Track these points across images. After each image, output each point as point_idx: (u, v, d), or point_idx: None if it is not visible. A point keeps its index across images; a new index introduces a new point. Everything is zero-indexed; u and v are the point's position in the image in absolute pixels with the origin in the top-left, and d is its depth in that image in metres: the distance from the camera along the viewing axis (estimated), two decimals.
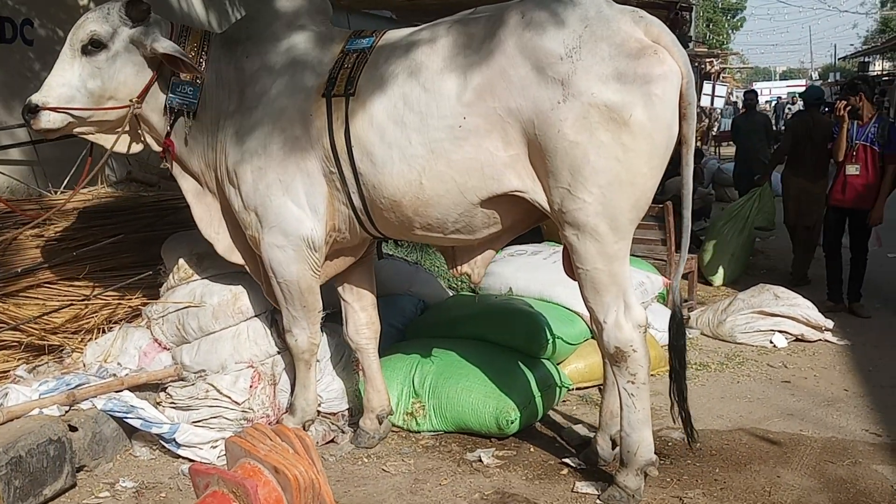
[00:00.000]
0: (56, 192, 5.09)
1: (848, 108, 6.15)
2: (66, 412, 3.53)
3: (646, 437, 3.27)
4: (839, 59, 51.64)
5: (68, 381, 3.62)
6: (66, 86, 3.38)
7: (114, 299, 4.45)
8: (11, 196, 5.08)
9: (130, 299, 4.48)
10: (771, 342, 5.42)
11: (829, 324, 5.56)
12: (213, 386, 3.86)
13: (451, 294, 5.26)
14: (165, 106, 3.57)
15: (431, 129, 3.22)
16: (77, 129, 3.53)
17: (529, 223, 3.58)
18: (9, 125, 5.27)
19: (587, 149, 3.03)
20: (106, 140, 3.63)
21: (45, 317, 4.18)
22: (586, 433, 3.96)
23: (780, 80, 64.85)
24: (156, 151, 3.80)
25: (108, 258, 4.57)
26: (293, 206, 3.52)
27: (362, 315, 3.97)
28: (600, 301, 3.24)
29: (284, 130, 3.47)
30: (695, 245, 8.19)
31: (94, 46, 3.41)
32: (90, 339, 4.31)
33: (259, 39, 3.61)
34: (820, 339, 5.51)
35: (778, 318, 5.50)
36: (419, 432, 4.04)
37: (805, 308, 5.55)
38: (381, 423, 3.92)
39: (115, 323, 4.43)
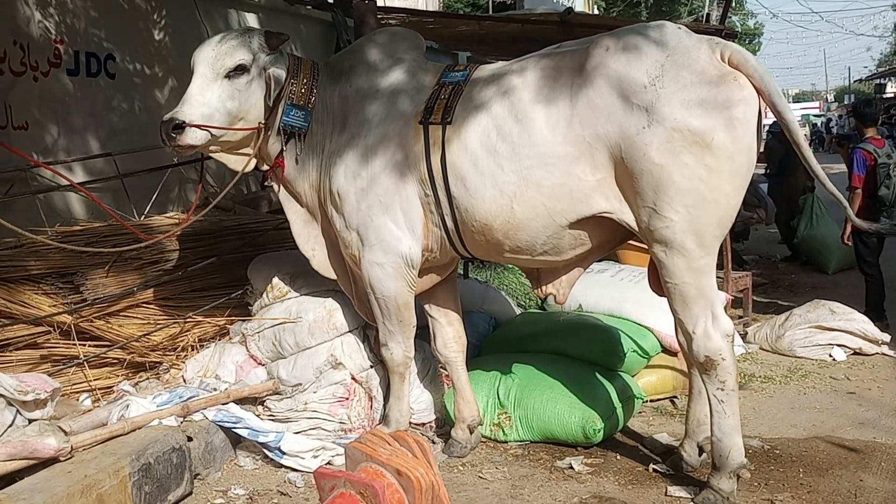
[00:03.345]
0: (140, 218, 5.35)
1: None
2: (181, 423, 3.73)
3: (737, 441, 3.42)
4: (854, 81, 51.89)
5: (181, 394, 3.83)
6: (206, 105, 3.55)
7: (205, 318, 4.68)
8: (97, 220, 5.34)
9: (220, 318, 4.70)
10: (830, 356, 5.56)
11: (886, 337, 5.70)
12: (311, 399, 4.05)
13: (520, 311, 5.45)
14: (279, 128, 3.80)
15: (523, 158, 3.42)
16: (210, 147, 3.71)
17: (615, 243, 3.77)
18: (95, 154, 5.55)
19: (672, 170, 3.22)
20: (228, 159, 3.82)
21: (147, 336, 4.40)
22: (669, 441, 4.12)
23: (794, 102, 65.02)
24: (262, 171, 4.00)
25: (197, 279, 4.79)
26: (392, 226, 3.73)
27: (449, 330, 4.16)
28: (689, 313, 3.41)
29: (385, 155, 3.69)
30: (736, 265, 8.37)
31: (237, 71, 3.61)
32: (184, 356, 4.54)
33: (361, 70, 3.85)
34: (877, 353, 5.64)
35: (836, 333, 5.65)
36: (506, 442, 4.21)
37: (861, 322, 5.71)
38: (471, 433, 4.10)
39: (206, 341, 4.65)
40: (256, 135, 3.75)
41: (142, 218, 5.37)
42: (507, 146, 3.45)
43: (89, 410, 3.93)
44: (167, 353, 4.50)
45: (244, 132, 3.69)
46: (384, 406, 4.17)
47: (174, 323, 4.41)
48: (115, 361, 4.39)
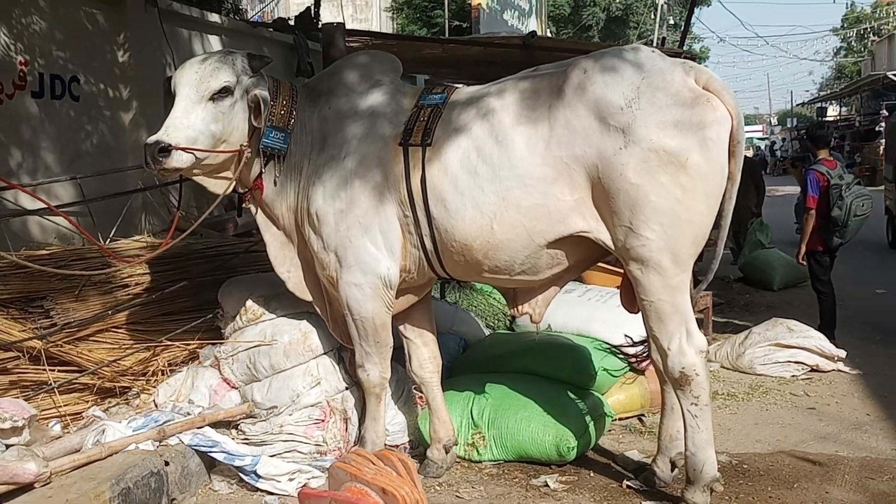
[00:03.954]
0: (105, 242, 5.29)
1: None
2: (157, 447, 3.69)
3: (710, 455, 3.52)
4: (796, 104, 53.63)
5: (156, 418, 3.79)
6: (190, 128, 3.52)
7: (174, 342, 4.63)
8: (60, 244, 5.28)
9: (193, 342, 4.65)
10: (793, 373, 5.73)
11: (842, 353, 5.90)
12: (286, 421, 4.04)
13: (488, 332, 5.50)
14: (259, 150, 3.80)
15: (503, 179, 3.50)
16: (193, 171, 3.68)
17: (590, 262, 3.86)
18: (60, 178, 5.48)
19: (648, 190, 3.32)
20: (208, 182, 3.80)
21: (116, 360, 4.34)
22: (640, 458, 4.20)
23: None
24: (239, 193, 3.99)
25: (166, 303, 4.75)
26: (371, 247, 3.76)
27: (425, 350, 4.19)
28: (664, 329, 3.50)
29: (365, 176, 3.73)
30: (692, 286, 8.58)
31: (221, 94, 3.60)
32: (155, 380, 4.48)
33: (339, 92, 3.89)
34: (833, 369, 5.84)
35: (794, 350, 5.83)
36: (480, 461, 4.25)
37: (818, 339, 5.91)
38: (447, 453, 4.12)
39: (176, 365, 4.61)
40: (238, 157, 3.75)
41: (107, 242, 5.32)
42: (487, 167, 3.52)
43: (59, 437, 3.86)
44: (137, 378, 4.45)
45: (226, 155, 3.70)
46: (359, 428, 4.18)
47: (146, 347, 4.35)
48: (83, 387, 4.32)
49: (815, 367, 5.83)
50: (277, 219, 4.01)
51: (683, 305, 3.50)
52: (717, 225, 3.63)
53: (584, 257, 3.72)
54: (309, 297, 4.12)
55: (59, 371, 4.22)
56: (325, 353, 4.23)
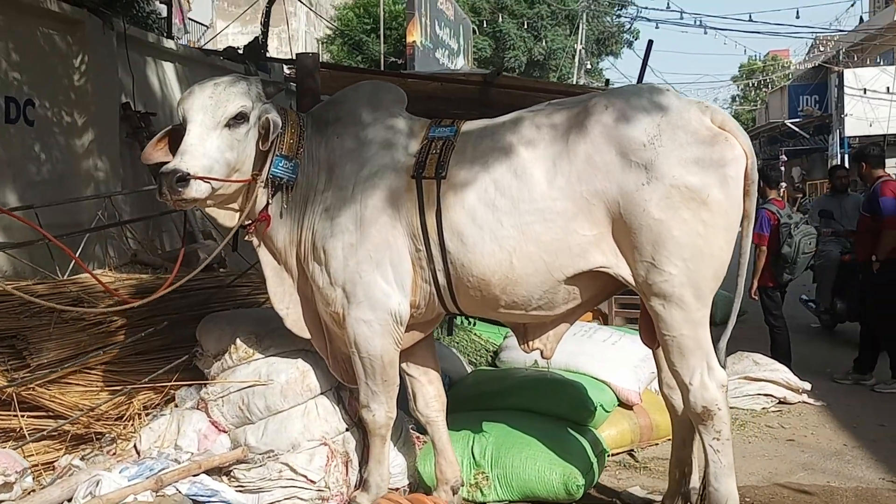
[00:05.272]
0: (63, 276, 4.95)
1: None
2: (154, 497, 3.40)
3: (732, 489, 3.50)
4: None
5: (151, 466, 3.51)
6: (206, 156, 3.31)
7: (148, 384, 4.32)
8: (17, 278, 4.90)
9: (166, 384, 4.34)
10: (763, 405, 5.84)
11: (807, 386, 6.06)
12: (287, 465, 3.81)
13: (471, 369, 5.39)
14: (267, 179, 3.62)
15: (522, 213, 3.43)
16: (207, 201, 3.46)
17: (603, 297, 3.83)
18: (18, 206, 5.09)
19: (671, 225, 3.32)
20: (218, 213, 3.60)
21: (89, 404, 4.01)
22: (644, 494, 4.16)
23: None
24: (243, 226, 3.77)
25: (139, 342, 4.44)
26: (382, 282, 3.61)
27: (430, 388, 4.05)
28: (686, 364, 3.48)
29: (376, 209, 3.59)
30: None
31: (237, 120, 3.41)
32: (131, 425, 4.16)
33: (347, 121, 3.75)
34: (799, 401, 5.99)
35: (762, 383, 5.96)
36: (485, 502, 4.12)
37: (784, 372, 6.06)
38: (454, 494, 3.97)
39: (152, 408, 4.30)
40: (248, 188, 3.56)
41: (65, 276, 4.98)
42: (506, 201, 3.45)
43: (33, 489, 3.52)
44: (112, 423, 4.12)
45: (238, 184, 3.50)
46: (360, 471, 3.98)
47: (130, 390, 4.04)
48: (55, 434, 3.96)
49: (782, 400, 5.97)
50: (277, 252, 3.82)
51: (705, 340, 3.50)
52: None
53: (598, 292, 3.69)
54: (307, 335, 3.93)
55: (28, 416, 3.87)
56: (323, 393, 4.03)
